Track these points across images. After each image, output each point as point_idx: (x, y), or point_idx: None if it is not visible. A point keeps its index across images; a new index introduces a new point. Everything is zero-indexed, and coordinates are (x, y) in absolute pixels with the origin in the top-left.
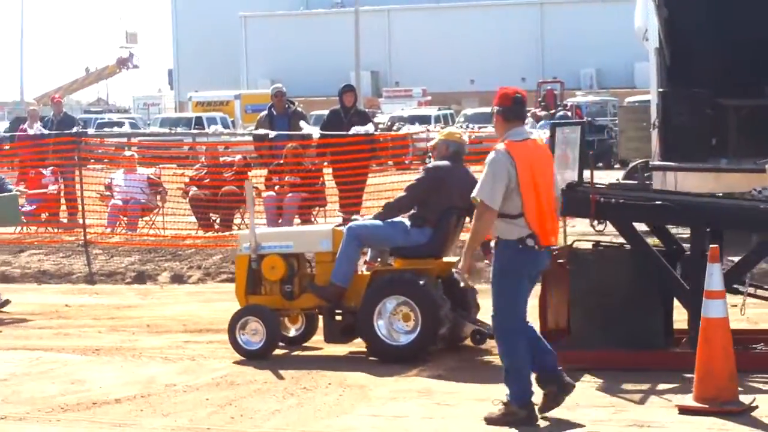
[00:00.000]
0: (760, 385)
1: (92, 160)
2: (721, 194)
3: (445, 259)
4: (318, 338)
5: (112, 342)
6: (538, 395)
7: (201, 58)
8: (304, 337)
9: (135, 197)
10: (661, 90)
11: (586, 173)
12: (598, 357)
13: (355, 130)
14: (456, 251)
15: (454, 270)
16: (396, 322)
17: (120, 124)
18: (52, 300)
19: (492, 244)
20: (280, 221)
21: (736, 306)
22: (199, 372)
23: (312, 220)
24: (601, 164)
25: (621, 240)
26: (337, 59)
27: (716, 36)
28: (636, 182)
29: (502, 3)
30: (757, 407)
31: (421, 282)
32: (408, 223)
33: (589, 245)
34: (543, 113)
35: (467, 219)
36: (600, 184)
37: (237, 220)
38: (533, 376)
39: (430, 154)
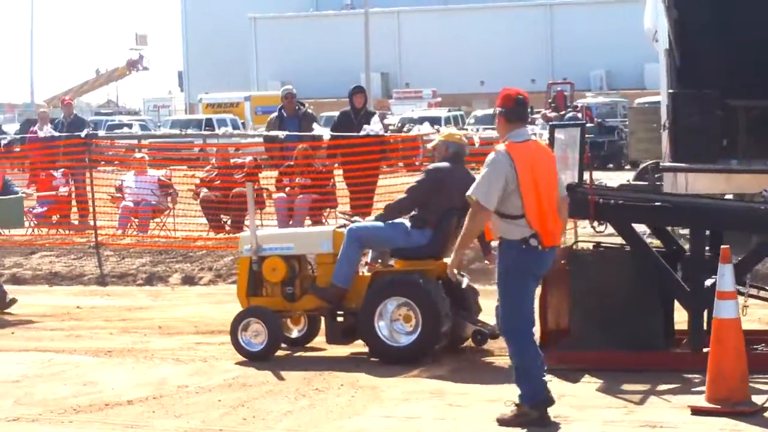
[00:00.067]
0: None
1: (103, 162)
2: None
3: (446, 259)
4: (320, 339)
5: (124, 343)
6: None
7: (211, 60)
8: (307, 338)
9: (146, 199)
10: (671, 91)
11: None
12: (597, 357)
13: (366, 131)
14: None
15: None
16: (397, 323)
17: (130, 126)
18: (63, 302)
19: (494, 244)
20: (290, 222)
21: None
22: (211, 373)
23: (323, 222)
24: (611, 165)
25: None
26: (346, 61)
27: (726, 37)
28: (646, 183)
29: (511, 4)
30: None
31: (422, 283)
32: (408, 224)
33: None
34: (553, 114)
35: None
36: (599, 185)
37: (247, 222)
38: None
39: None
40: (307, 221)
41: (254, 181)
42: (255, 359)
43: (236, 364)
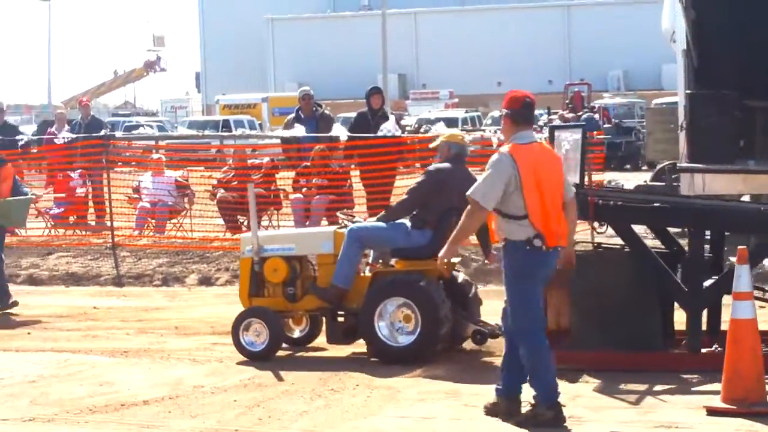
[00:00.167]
0: None
1: (120, 163)
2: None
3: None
4: (322, 339)
5: (140, 344)
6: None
7: (228, 61)
8: (309, 338)
9: (163, 200)
10: (688, 92)
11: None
12: (596, 358)
13: (383, 131)
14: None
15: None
16: (397, 323)
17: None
18: (80, 302)
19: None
20: (307, 223)
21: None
22: (227, 374)
23: (340, 223)
24: (628, 166)
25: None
26: (364, 62)
27: (744, 37)
28: (664, 184)
29: (529, 5)
30: None
31: (421, 283)
32: (409, 224)
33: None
34: (570, 115)
35: None
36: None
37: (264, 222)
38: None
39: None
40: (324, 222)
41: (271, 181)
42: (256, 359)
43: (252, 364)
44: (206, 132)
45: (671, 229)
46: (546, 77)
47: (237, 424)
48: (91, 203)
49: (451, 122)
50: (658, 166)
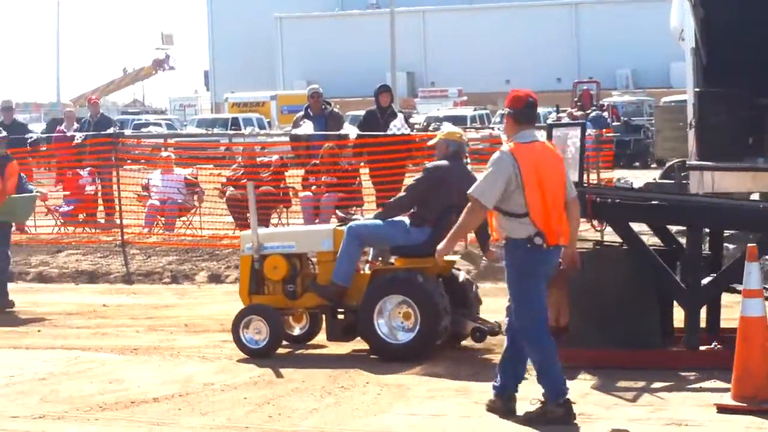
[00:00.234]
0: None
1: (129, 161)
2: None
3: (446, 257)
4: (322, 337)
5: (150, 341)
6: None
7: (237, 60)
8: (309, 335)
9: (172, 197)
10: (697, 90)
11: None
12: (595, 356)
13: (392, 129)
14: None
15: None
16: (396, 320)
17: (158, 125)
18: (89, 300)
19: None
20: (317, 221)
21: (732, 307)
22: (237, 371)
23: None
24: (637, 164)
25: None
26: (372, 60)
27: (753, 35)
28: (673, 182)
29: (537, 3)
30: None
31: (420, 281)
32: (408, 222)
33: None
34: (579, 113)
35: None
36: (596, 184)
37: (274, 220)
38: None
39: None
40: (333, 220)
41: (280, 179)
42: (256, 356)
43: (262, 361)
44: (215, 130)
45: (671, 227)
46: (555, 75)
47: (247, 422)
48: (100, 201)
49: (459, 120)
50: (667, 164)
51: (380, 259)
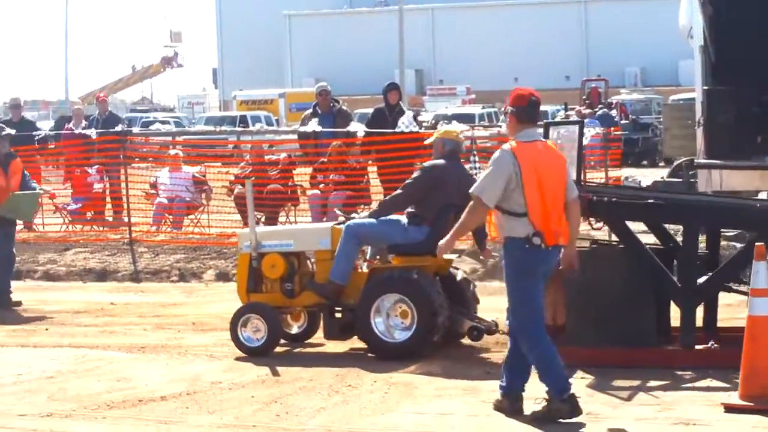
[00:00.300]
0: None
1: (137, 159)
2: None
3: (444, 256)
4: (320, 335)
5: (158, 340)
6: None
7: (245, 57)
8: (307, 334)
9: (180, 195)
10: (705, 88)
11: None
12: (591, 354)
13: (400, 127)
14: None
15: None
16: (393, 319)
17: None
18: (97, 298)
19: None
20: (324, 219)
21: (731, 305)
22: (245, 369)
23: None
24: (645, 162)
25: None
26: (381, 57)
27: (762, 33)
28: (681, 180)
29: (546, 1)
30: None
31: (418, 280)
32: (405, 221)
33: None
34: (587, 111)
35: None
36: (592, 182)
37: (282, 218)
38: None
39: (475, 152)
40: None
41: (288, 177)
42: (254, 355)
43: (269, 360)
44: (223, 128)
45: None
46: (563, 73)
47: (255, 420)
48: (108, 199)
49: (467, 118)
50: (676, 162)
51: (378, 257)
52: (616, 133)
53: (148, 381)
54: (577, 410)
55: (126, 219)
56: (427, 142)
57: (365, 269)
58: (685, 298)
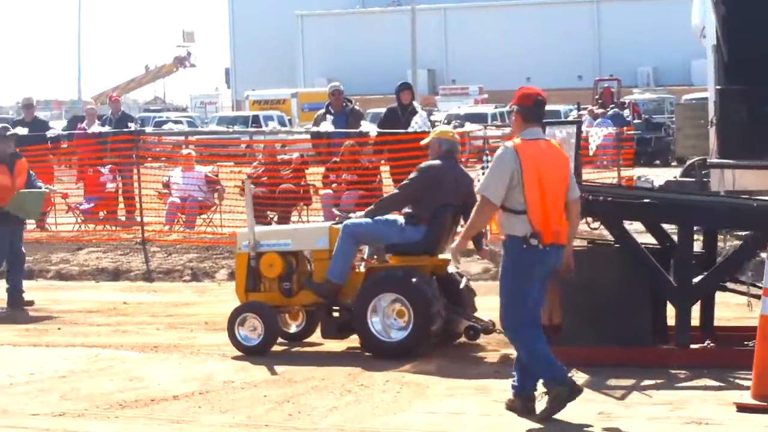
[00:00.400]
0: None
1: (150, 159)
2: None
3: (441, 256)
4: (317, 334)
5: (170, 339)
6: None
7: (258, 57)
8: (305, 333)
9: (193, 195)
10: (718, 87)
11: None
12: (587, 353)
13: (413, 127)
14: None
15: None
16: (390, 318)
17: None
18: (110, 297)
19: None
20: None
21: (724, 303)
22: (257, 369)
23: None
24: (658, 162)
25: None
26: (393, 57)
27: None
28: (693, 180)
29: (558, 0)
30: None
31: (414, 279)
32: (403, 220)
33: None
34: (600, 111)
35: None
36: (589, 182)
37: (294, 218)
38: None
39: (488, 151)
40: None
41: (301, 177)
42: (251, 354)
43: (282, 359)
44: (236, 127)
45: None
46: (575, 73)
47: (267, 420)
48: (121, 198)
49: (480, 118)
50: (688, 162)
51: (376, 257)
52: (628, 132)
53: (160, 380)
54: (576, 390)
55: (138, 218)
56: (423, 142)
57: (362, 269)
58: (681, 297)
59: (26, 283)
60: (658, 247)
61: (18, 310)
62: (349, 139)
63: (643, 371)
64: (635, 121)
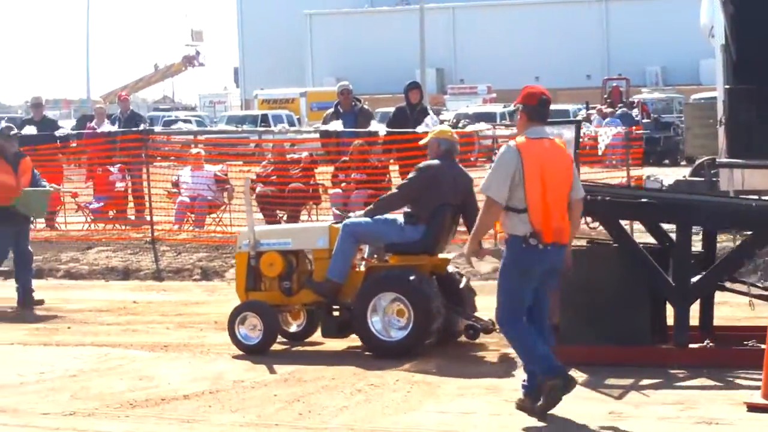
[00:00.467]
0: None
1: (159, 158)
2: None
3: (440, 255)
4: (318, 333)
5: (180, 338)
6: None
7: (266, 56)
8: (306, 332)
9: (202, 194)
10: (727, 87)
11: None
12: (586, 353)
13: (423, 129)
14: (452, 248)
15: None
16: (390, 317)
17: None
18: (119, 297)
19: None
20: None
21: (725, 303)
22: (267, 368)
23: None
24: (667, 161)
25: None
26: (402, 56)
27: None
28: (702, 179)
29: (567, 0)
30: None
31: (413, 278)
32: (402, 220)
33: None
34: (609, 110)
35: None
36: (588, 182)
37: (303, 217)
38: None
39: (496, 150)
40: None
41: (310, 176)
42: (251, 353)
43: (292, 358)
44: (245, 127)
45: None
46: (584, 72)
47: (277, 419)
48: (130, 198)
49: (488, 117)
50: (697, 162)
51: (375, 256)
52: (637, 132)
53: (170, 380)
54: (571, 383)
55: (148, 218)
56: (422, 142)
57: (362, 268)
58: (679, 296)
59: (36, 282)
60: (657, 246)
61: (28, 310)
62: (358, 138)
63: (643, 371)
64: (644, 120)
